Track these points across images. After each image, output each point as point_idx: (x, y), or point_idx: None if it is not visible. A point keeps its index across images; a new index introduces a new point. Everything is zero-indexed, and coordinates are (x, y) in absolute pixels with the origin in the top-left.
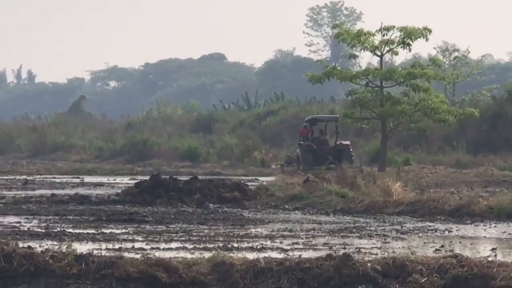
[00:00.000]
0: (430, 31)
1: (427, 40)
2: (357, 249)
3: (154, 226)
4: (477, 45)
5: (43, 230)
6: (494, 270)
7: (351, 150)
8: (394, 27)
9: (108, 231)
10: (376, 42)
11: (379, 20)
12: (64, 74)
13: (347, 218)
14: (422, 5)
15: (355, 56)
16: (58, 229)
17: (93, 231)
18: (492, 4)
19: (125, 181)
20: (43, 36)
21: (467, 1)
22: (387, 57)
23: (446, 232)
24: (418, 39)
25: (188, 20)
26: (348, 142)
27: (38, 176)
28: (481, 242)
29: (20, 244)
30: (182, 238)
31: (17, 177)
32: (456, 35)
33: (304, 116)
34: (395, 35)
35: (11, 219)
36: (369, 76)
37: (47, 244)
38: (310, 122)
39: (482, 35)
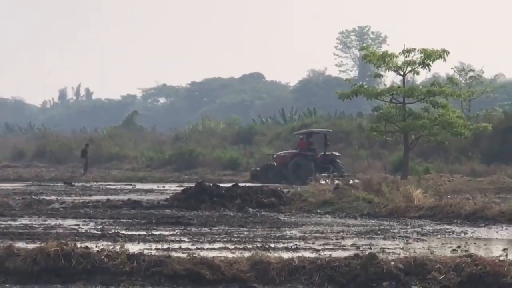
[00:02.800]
0: (447, 52)
1: (444, 61)
2: (382, 249)
3: (199, 228)
4: (490, 65)
5: (99, 232)
6: (505, 269)
7: (339, 160)
8: (415, 49)
9: (157, 232)
10: (399, 63)
11: (402, 42)
12: (118, 91)
13: (373, 221)
14: (441, 28)
15: (380, 76)
16: (113, 231)
17: (144, 232)
18: (506, 28)
19: (173, 188)
20: (100, 57)
21: (483, 25)
22: (409, 76)
23: (462, 234)
24: (437, 60)
25: (231, 42)
26: (338, 154)
27: (95, 183)
28: (494, 243)
29: (78, 245)
30: (224, 239)
31: (76, 184)
32: (472, 56)
33: (335, 130)
34: (416, 56)
35: (70, 222)
36: (393, 94)
37: (103, 244)
38: (307, 135)
39: (496, 56)
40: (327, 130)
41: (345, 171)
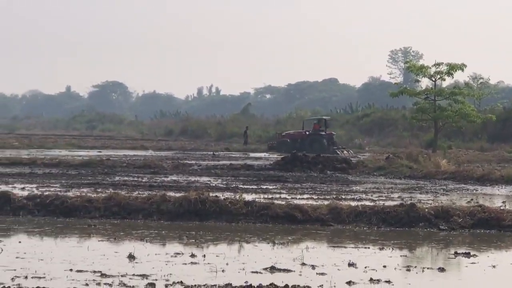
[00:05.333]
0: (465, 66)
1: (463, 71)
2: (419, 200)
3: (293, 184)
4: (494, 74)
5: (224, 186)
6: (504, 215)
7: (334, 136)
8: (443, 63)
9: (264, 186)
10: (432, 72)
11: (433, 58)
12: (238, 89)
13: (412, 181)
14: (462, 47)
15: (418, 81)
16: (234, 185)
17: (255, 186)
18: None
19: (275, 156)
20: (225, 64)
21: (490, 44)
22: (438, 81)
23: (474, 191)
24: (458, 70)
25: (317, 54)
26: (334, 133)
27: (221, 152)
28: (496, 198)
29: (211, 194)
30: (310, 192)
31: (208, 152)
32: (482, 67)
33: (387, 118)
34: (443, 68)
35: (204, 179)
36: (427, 93)
37: (227, 194)
38: (319, 120)
39: (498, 68)
40: (327, 117)
41: (341, 145)
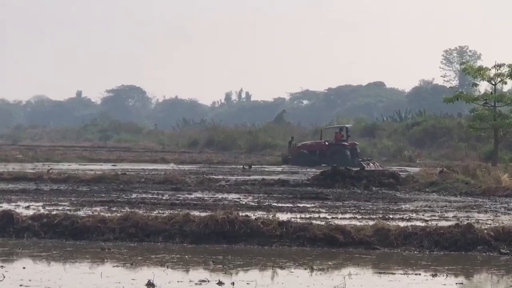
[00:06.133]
0: None
1: None
2: (476, 220)
3: (334, 202)
4: None
5: (255, 204)
6: None
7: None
8: (504, 64)
9: (301, 205)
10: (491, 75)
11: (493, 59)
12: (271, 95)
13: (469, 198)
14: None
15: (476, 85)
16: (266, 203)
17: (290, 205)
18: None
19: (313, 170)
20: (257, 67)
21: None
22: (499, 85)
23: None
24: None
25: (359, 57)
26: (357, 143)
27: (253, 166)
28: None
29: (240, 213)
30: (353, 211)
31: (237, 166)
32: None
33: (441, 126)
34: (505, 69)
35: (233, 196)
36: (486, 99)
37: (259, 213)
38: (340, 129)
39: None
40: (349, 124)
41: (366, 156)
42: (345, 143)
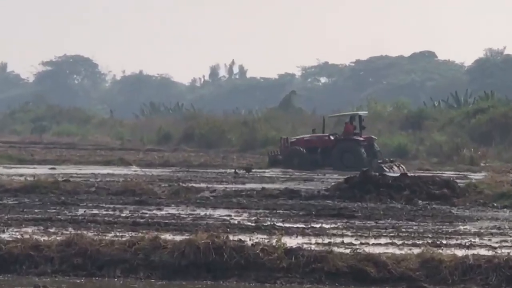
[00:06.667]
0: None
1: None
2: None
3: (363, 222)
4: None
5: (253, 224)
6: None
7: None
8: None
9: (317, 225)
10: None
11: None
12: (275, 70)
13: None
14: None
15: None
16: (268, 223)
17: (302, 225)
18: None
19: (334, 176)
20: (255, 32)
21: None
22: None
23: None
24: None
25: (398, 16)
26: (375, 137)
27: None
28: None
29: (231, 237)
30: (391, 234)
31: (228, 171)
32: None
33: None
34: None
35: (221, 212)
36: None
37: (257, 237)
38: (351, 118)
39: None
40: (364, 112)
41: (388, 157)
42: (359, 138)
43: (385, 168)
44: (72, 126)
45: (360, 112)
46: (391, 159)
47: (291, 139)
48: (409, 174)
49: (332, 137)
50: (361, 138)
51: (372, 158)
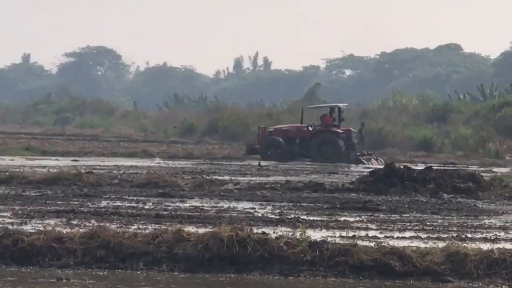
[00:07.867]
0: None
1: None
2: None
3: (388, 215)
4: None
5: (277, 217)
6: None
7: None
8: None
9: (342, 218)
10: None
11: None
12: (300, 62)
13: None
14: None
15: None
16: (292, 215)
17: (326, 218)
18: None
19: (358, 169)
20: (280, 23)
21: None
22: None
23: None
24: None
25: (425, 9)
26: (354, 130)
27: (272, 162)
28: None
29: (254, 230)
30: (416, 227)
31: (252, 163)
32: None
33: None
34: None
35: (245, 205)
36: None
37: (281, 230)
38: (331, 110)
39: None
40: (344, 104)
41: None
42: (337, 130)
43: (363, 160)
44: (95, 118)
45: (340, 104)
46: (369, 151)
47: (270, 128)
48: (379, 167)
49: (310, 128)
50: (340, 130)
51: (350, 150)
